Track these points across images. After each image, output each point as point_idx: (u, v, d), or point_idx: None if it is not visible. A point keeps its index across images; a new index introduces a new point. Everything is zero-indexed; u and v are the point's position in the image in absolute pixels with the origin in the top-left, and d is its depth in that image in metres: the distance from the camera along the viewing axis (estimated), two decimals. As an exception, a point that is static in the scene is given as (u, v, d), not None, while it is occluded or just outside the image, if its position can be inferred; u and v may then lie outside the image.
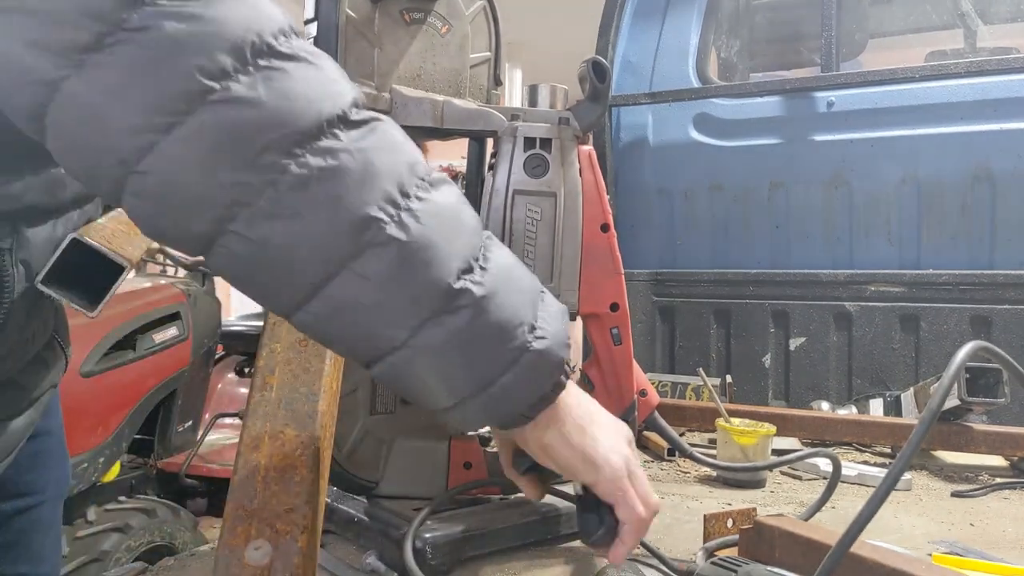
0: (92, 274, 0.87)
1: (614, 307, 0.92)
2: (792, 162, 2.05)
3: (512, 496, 0.96)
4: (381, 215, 0.56)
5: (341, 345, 0.62)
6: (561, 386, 0.66)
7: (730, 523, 0.90)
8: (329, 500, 0.95)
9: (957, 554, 0.93)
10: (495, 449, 0.88)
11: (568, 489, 0.89)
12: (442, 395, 0.62)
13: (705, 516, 0.91)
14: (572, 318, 0.89)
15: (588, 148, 0.94)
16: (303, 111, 0.54)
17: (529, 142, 0.91)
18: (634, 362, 0.95)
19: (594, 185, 0.92)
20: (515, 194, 0.90)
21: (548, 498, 0.89)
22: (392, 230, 0.56)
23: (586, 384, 0.93)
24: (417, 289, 0.58)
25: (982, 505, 1.18)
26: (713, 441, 1.46)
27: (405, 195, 0.58)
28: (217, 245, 0.55)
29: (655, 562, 0.84)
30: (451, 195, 0.62)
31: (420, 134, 0.92)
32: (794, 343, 2.01)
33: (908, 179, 1.94)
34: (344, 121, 0.56)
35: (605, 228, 0.92)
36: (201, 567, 0.88)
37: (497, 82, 1.03)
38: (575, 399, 0.69)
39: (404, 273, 0.57)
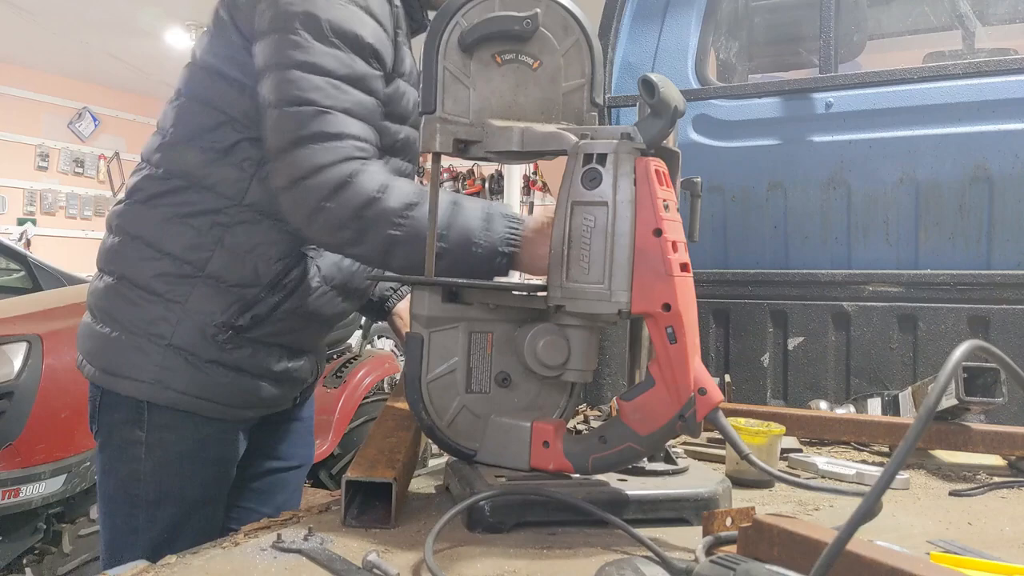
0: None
1: (666, 307, 0.98)
2: (791, 163, 2.05)
3: (584, 476, 1.08)
4: (394, 232, 1.20)
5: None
6: (506, 256, 1.23)
7: (729, 521, 0.91)
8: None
9: (955, 553, 0.93)
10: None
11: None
12: (464, 275, 1.20)
13: (704, 514, 0.92)
14: (625, 317, 1.01)
15: (647, 159, 1.00)
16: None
17: (587, 157, 1.01)
18: (698, 361, 0.99)
19: (648, 194, 0.99)
20: (573, 205, 1.01)
21: (614, 484, 1.05)
22: (400, 234, 1.21)
23: (649, 381, 1.01)
24: (419, 254, 1.13)
25: (980, 504, 1.19)
26: (713, 440, 1.46)
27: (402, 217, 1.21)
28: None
29: (654, 559, 0.85)
30: (425, 204, 1.18)
31: (506, 157, 1.13)
32: (792, 343, 2.02)
33: (906, 179, 1.95)
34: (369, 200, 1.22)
35: (658, 233, 0.98)
36: (203, 564, 0.89)
37: (593, 105, 1.15)
38: (531, 236, 1.23)
39: (411, 249, 1.20)
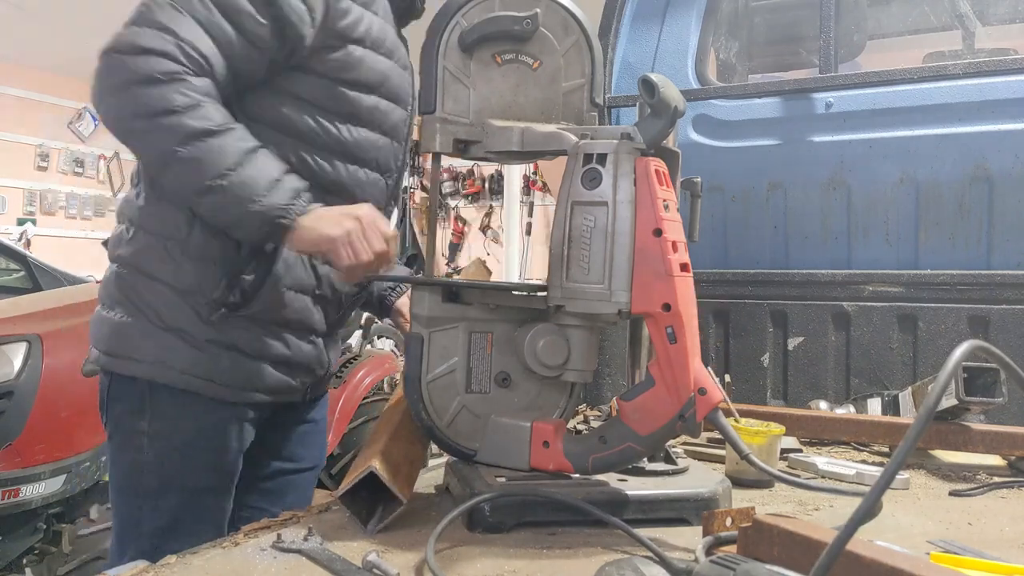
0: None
1: (666, 307, 0.98)
2: (791, 163, 2.05)
3: (584, 476, 1.08)
4: (179, 148, 1.18)
5: (192, 201, 1.26)
6: (276, 226, 1.19)
7: (729, 521, 0.91)
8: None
9: (955, 553, 0.93)
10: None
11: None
12: (226, 228, 1.25)
13: (704, 514, 0.92)
14: (625, 317, 1.00)
15: (647, 159, 1.00)
16: None
17: (587, 157, 1.01)
18: (698, 361, 0.99)
19: (648, 194, 0.99)
20: (573, 204, 1.02)
21: (614, 484, 1.05)
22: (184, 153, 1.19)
23: (650, 381, 1.01)
24: (194, 182, 1.20)
25: (980, 504, 1.19)
26: (713, 440, 1.46)
27: (195, 139, 1.19)
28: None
29: (654, 559, 0.85)
30: (223, 137, 1.20)
31: (506, 157, 1.13)
32: (792, 343, 2.02)
33: (906, 179, 1.95)
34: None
35: (658, 233, 0.98)
36: (203, 564, 0.89)
37: (593, 105, 1.15)
38: (308, 222, 1.20)
39: (188, 174, 1.20)
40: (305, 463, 1.60)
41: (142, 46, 1.17)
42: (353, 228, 1.19)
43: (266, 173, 1.21)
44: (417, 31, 1.23)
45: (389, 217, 1.49)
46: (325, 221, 1.21)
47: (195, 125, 1.17)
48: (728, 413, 1.36)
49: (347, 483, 1.00)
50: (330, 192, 1.33)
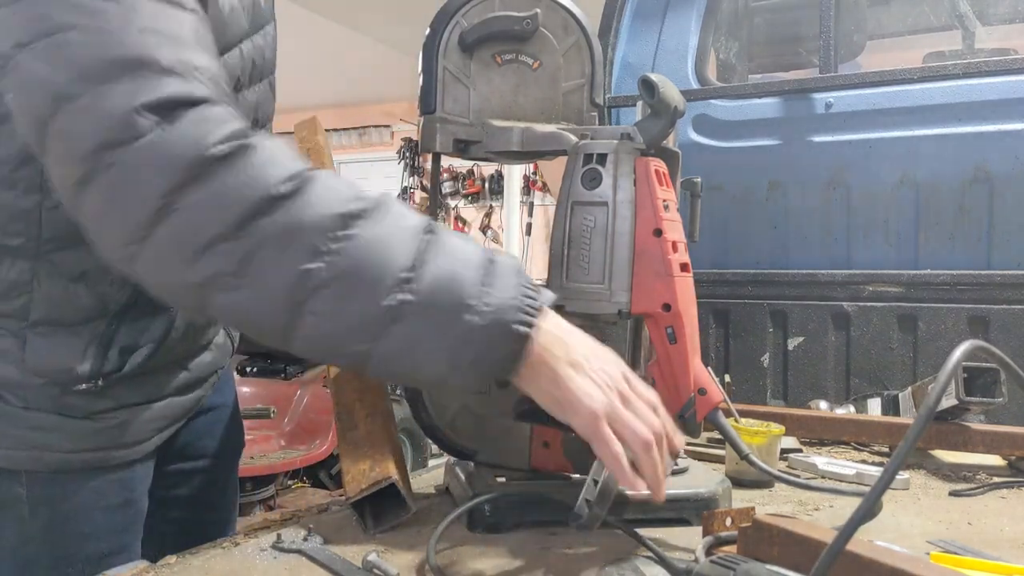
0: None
1: (666, 307, 0.98)
2: (790, 163, 2.05)
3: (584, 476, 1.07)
4: (312, 265, 0.70)
5: (332, 360, 0.92)
6: (520, 342, 0.75)
7: (729, 521, 0.91)
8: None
9: (955, 553, 0.93)
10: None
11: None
12: (426, 381, 0.85)
13: (704, 514, 0.92)
14: (625, 317, 1.00)
15: (647, 159, 1.00)
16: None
17: (587, 158, 1.01)
18: (698, 362, 0.99)
19: (648, 194, 0.99)
20: (573, 205, 1.01)
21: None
22: (325, 273, 0.71)
23: (649, 382, 1.00)
24: (357, 315, 0.72)
25: (980, 504, 1.19)
26: (713, 440, 1.46)
27: (333, 239, 0.71)
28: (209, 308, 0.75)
29: (654, 560, 0.85)
30: (378, 223, 0.74)
31: (506, 157, 1.12)
32: (792, 343, 2.02)
33: (906, 180, 1.95)
34: (269, 200, 0.71)
35: (658, 233, 0.98)
36: (203, 565, 0.89)
37: (593, 105, 1.14)
38: (551, 339, 0.77)
39: (345, 302, 0.72)
40: (202, 462, 1.29)
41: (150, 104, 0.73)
42: (612, 398, 0.77)
43: (465, 257, 0.76)
44: (417, 31, 1.23)
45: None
46: (575, 367, 0.77)
47: (325, 212, 0.72)
48: (728, 413, 1.36)
49: (363, 490, 0.97)
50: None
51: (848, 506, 1.13)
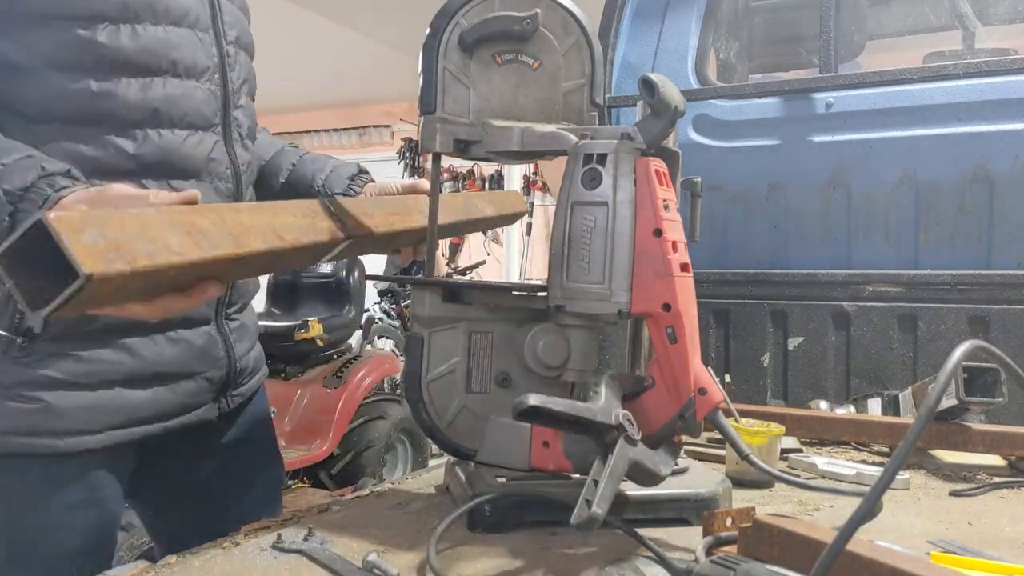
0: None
1: (666, 307, 0.98)
2: (791, 163, 2.05)
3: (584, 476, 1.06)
4: None
5: None
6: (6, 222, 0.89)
7: (729, 521, 0.91)
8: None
9: (955, 553, 0.93)
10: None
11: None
12: None
13: (704, 514, 0.92)
14: (625, 317, 1.00)
15: (647, 159, 1.00)
16: None
17: (587, 158, 1.01)
18: (698, 361, 0.99)
19: (648, 194, 0.99)
20: (573, 205, 1.01)
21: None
22: None
23: (650, 382, 1.01)
24: None
25: (980, 504, 1.19)
26: (713, 440, 1.46)
27: None
28: None
29: (654, 560, 0.85)
30: None
31: (506, 157, 1.12)
32: (792, 343, 2.02)
33: (906, 180, 1.95)
34: None
35: (658, 233, 0.98)
36: (203, 565, 0.89)
37: (593, 105, 1.14)
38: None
39: None
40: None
41: None
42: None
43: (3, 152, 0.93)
44: (417, 31, 1.23)
45: (230, 134, 1.19)
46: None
47: None
48: (728, 413, 1.36)
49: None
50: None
51: (848, 506, 1.13)
